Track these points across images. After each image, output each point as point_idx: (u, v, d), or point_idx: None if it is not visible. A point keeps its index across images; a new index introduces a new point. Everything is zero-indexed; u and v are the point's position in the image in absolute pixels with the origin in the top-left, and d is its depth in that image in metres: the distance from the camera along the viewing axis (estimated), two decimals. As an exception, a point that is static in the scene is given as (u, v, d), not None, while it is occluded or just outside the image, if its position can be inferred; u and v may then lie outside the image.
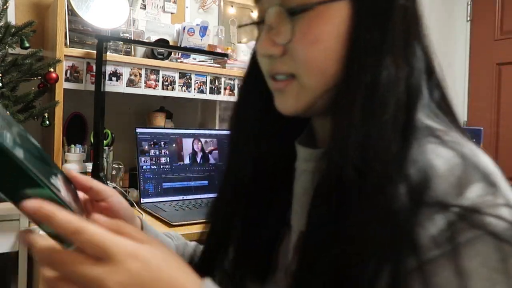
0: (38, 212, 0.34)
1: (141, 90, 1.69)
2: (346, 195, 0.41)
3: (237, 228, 0.55)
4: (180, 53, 1.90)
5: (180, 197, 1.61)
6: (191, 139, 1.72)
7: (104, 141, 1.65)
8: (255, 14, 2.75)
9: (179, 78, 1.78)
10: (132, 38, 1.81)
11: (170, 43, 1.93)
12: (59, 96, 1.51)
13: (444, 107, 0.48)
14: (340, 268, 0.39)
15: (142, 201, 1.52)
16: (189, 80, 1.81)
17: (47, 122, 1.47)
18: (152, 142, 1.62)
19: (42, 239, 0.35)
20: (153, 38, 1.85)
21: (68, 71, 1.57)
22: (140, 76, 1.69)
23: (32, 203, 0.34)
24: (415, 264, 0.37)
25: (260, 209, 0.54)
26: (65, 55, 1.53)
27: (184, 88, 1.79)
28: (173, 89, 1.77)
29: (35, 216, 0.34)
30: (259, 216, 0.54)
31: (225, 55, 1.90)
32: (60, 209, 0.34)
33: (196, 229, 1.27)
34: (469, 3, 2.86)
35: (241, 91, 0.57)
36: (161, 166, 1.62)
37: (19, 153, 0.35)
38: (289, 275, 0.49)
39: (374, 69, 0.42)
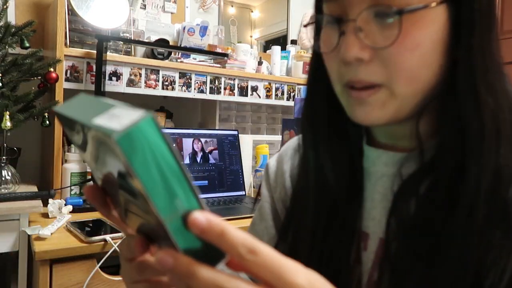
0: (209, 228, 0.27)
1: (141, 90, 1.69)
2: (447, 202, 0.41)
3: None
4: (180, 53, 1.90)
5: (180, 197, 1.61)
6: (191, 139, 1.72)
7: (104, 141, 1.65)
8: (256, 14, 2.74)
9: (179, 78, 1.78)
10: (132, 38, 1.81)
11: (170, 43, 1.93)
12: (59, 96, 1.51)
13: None
14: (449, 273, 0.39)
15: (142, 201, 1.51)
16: (189, 80, 1.81)
17: (47, 122, 1.46)
18: (152, 142, 1.61)
19: (205, 267, 0.28)
20: (153, 38, 1.84)
21: (68, 71, 1.57)
22: (140, 76, 1.69)
23: (203, 217, 0.27)
24: None
25: (328, 216, 0.51)
26: (65, 55, 1.53)
27: (184, 88, 1.79)
28: (173, 89, 1.76)
29: (203, 232, 0.28)
30: (328, 223, 0.51)
31: (225, 55, 1.90)
32: (227, 223, 0.28)
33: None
34: (469, 3, 2.86)
35: (306, 96, 0.53)
36: (161, 166, 1.61)
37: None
38: (372, 285, 0.48)
39: (493, 75, 0.42)
